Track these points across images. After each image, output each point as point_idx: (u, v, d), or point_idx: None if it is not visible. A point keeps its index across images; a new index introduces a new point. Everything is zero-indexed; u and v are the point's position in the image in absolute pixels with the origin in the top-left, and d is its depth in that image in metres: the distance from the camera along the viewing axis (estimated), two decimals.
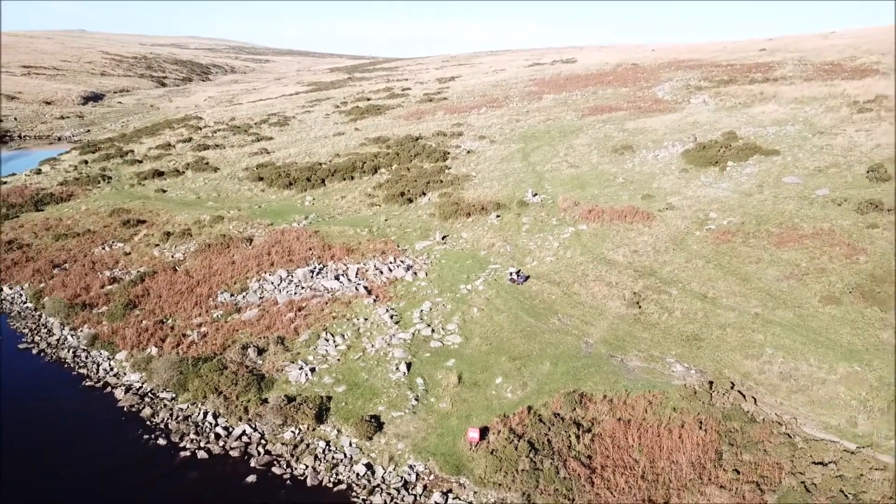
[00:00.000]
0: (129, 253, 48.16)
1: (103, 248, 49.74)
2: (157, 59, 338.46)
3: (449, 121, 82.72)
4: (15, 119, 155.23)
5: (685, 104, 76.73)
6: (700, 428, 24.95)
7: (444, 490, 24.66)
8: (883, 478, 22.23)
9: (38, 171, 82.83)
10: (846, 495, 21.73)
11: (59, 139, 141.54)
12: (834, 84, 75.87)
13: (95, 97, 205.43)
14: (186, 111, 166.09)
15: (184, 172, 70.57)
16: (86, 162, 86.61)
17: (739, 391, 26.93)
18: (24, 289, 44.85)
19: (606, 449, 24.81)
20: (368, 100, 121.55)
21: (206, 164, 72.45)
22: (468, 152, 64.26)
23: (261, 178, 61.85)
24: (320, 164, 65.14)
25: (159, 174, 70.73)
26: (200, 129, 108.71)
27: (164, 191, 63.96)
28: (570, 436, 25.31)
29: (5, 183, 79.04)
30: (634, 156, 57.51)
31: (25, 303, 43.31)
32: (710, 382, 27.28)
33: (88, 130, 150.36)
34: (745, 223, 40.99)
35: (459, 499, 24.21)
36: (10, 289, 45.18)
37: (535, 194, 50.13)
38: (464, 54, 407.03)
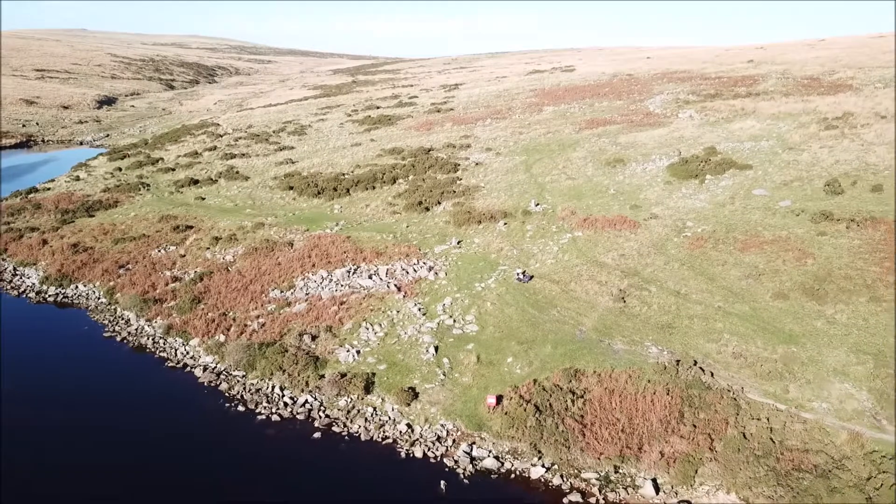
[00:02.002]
0: (184, 255, 55.23)
1: (159, 251, 56.78)
2: (163, 61, 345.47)
3: (457, 132, 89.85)
4: (37, 124, 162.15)
5: (673, 118, 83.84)
6: (667, 394, 32.11)
7: (469, 442, 31.86)
8: (802, 429, 29.45)
9: (77, 178, 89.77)
10: (773, 441, 28.96)
11: (81, 143, 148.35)
12: (809, 100, 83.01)
13: (108, 101, 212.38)
14: (200, 116, 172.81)
15: (217, 181, 77.60)
16: (119, 169, 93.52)
17: (700, 367, 34.10)
18: (96, 286, 51.97)
19: (595, 410, 32.00)
20: (378, 108, 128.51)
21: (237, 173, 79.50)
22: (476, 164, 71.40)
23: (291, 188, 68.96)
24: (343, 174, 72.26)
25: (194, 182, 77.76)
26: (221, 136, 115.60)
27: (203, 198, 71.00)
28: (566, 401, 32.49)
29: (49, 189, 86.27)
30: (625, 168, 64.65)
31: (99, 298, 50.42)
32: (678, 360, 34.43)
33: (108, 135, 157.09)
34: (716, 231, 48.19)
35: (481, 448, 31.41)
36: (84, 286, 52.32)
37: (538, 204, 57.26)
38: (464, 56, 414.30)
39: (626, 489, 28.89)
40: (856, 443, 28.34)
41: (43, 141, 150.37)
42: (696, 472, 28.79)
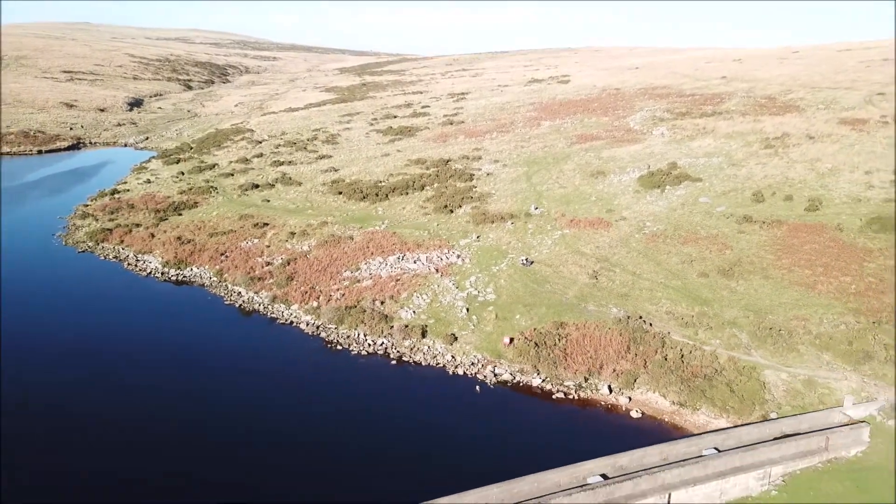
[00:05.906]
0: (269, 246, 72.70)
1: (247, 243, 74.21)
2: (178, 60, 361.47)
3: (469, 145, 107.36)
4: (82, 127, 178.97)
5: (648, 135, 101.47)
6: (620, 336, 49.87)
7: (493, 366, 49.67)
8: (701, 355, 47.29)
9: (147, 181, 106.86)
10: (682, 362, 46.82)
11: (125, 145, 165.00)
12: (760, 120, 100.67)
13: (136, 102, 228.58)
14: (227, 119, 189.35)
15: (275, 185, 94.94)
16: (182, 173, 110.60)
17: (643, 320, 51.85)
18: (206, 268, 69.42)
19: (573, 346, 49.78)
20: (395, 117, 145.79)
21: (290, 179, 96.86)
22: (487, 174, 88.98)
23: (340, 192, 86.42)
24: (380, 181, 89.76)
25: (256, 186, 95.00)
26: (259, 142, 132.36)
27: (268, 200, 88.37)
28: (555, 340, 50.27)
29: (127, 191, 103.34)
30: (605, 179, 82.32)
31: (211, 278, 67.88)
32: (629, 316, 52.20)
33: (147, 137, 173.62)
34: (666, 229, 65.94)
35: (501, 369, 49.21)
36: (198, 269, 69.82)
37: (536, 208, 74.91)
38: (465, 56, 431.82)
39: (591, 391, 46.75)
40: (731, 362, 46.25)
41: (91, 143, 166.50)
42: (635, 380, 46.61)
